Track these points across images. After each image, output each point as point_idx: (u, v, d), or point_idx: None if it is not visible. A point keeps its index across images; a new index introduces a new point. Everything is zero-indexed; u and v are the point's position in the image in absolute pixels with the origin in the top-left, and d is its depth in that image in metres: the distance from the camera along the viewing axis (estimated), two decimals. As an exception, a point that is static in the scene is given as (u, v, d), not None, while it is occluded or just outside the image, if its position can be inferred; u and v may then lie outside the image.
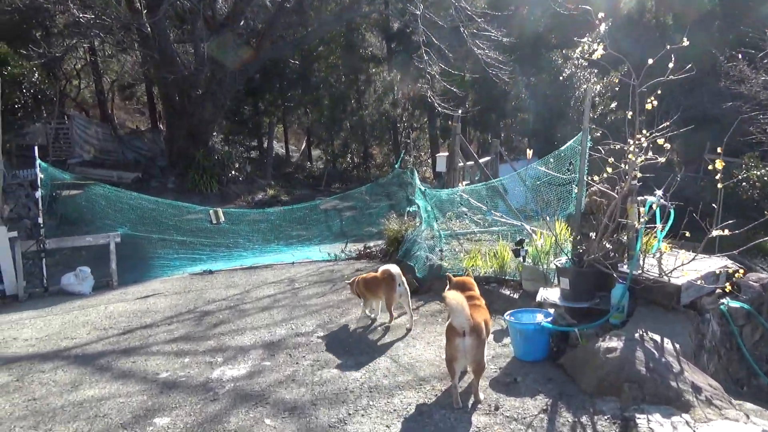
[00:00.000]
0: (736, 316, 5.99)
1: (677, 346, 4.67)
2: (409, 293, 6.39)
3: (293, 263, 10.74)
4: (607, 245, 5.40)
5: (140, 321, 7.40)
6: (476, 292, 5.07)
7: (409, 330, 6.29)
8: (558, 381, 4.73)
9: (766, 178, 17.12)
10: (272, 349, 6.05)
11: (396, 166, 12.51)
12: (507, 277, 7.09)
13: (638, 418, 3.79)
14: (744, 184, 17.17)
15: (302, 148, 35.42)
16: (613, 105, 21.28)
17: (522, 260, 6.76)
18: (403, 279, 6.31)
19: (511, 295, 6.76)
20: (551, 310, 5.66)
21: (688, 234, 5.18)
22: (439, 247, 8.47)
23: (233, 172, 21.80)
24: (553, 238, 6.65)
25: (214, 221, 10.42)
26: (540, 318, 5.32)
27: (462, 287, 5.06)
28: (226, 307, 7.89)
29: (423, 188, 9.03)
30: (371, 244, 11.55)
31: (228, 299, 8.32)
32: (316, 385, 5.03)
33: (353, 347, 5.96)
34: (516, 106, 23.53)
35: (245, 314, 7.45)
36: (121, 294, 9.12)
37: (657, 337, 4.73)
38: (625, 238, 5.75)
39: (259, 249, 10.69)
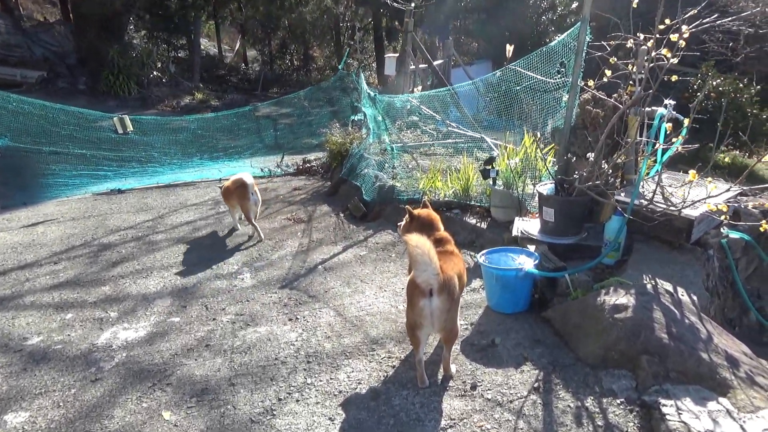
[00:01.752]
0: (735, 248, 5.12)
1: (695, 298, 3.72)
2: (259, 203, 6.31)
3: (220, 180, 9.24)
4: (606, 168, 4.28)
5: (19, 258, 5.90)
6: (444, 232, 3.90)
7: (259, 241, 6.14)
8: (548, 344, 3.73)
9: (721, 89, 16.52)
10: (184, 298, 4.78)
11: (339, 68, 10.89)
12: (472, 203, 5.97)
13: (664, 406, 2.84)
14: (698, 94, 16.51)
15: (236, 48, 32.36)
16: None
17: (492, 183, 5.61)
18: (256, 189, 6.21)
19: (478, 224, 5.67)
20: (532, 248, 4.60)
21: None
22: (390, 165, 7.21)
23: (155, 73, 19.33)
24: (530, 156, 5.50)
25: (120, 131, 8.67)
26: (524, 261, 4.25)
27: (427, 225, 3.87)
28: (133, 238, 6.46)
29: (372, 93, 7.59)
30: (312, 157, 10.15)
31: (136, 227, 6.87)
32: (236, 353, 3.85)
33: (288, 294, 4.78)
34: (469, 4, 21.62)
35: (155, 248, 6.08)
36: (4, 221, 7.46)
37: (670, 288, 3.76)
38: (621, 159, 4.66)
39: (178, 164, 9.10)
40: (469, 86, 8.27)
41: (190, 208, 7.68)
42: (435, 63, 12.90)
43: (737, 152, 15.82)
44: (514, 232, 4.91)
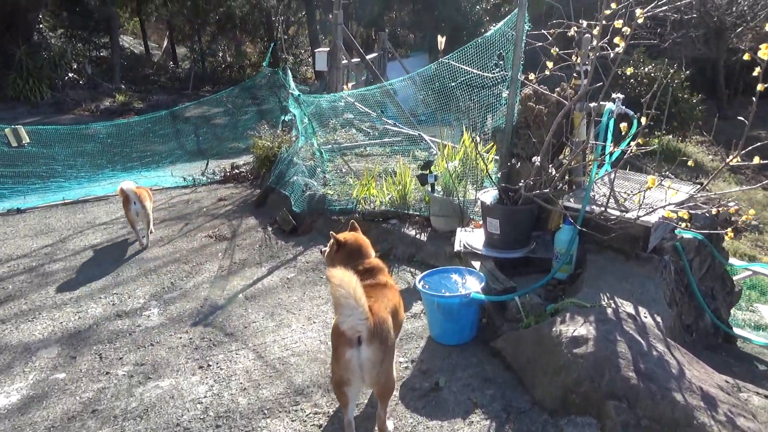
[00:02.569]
0: (688, 248, 4.81)
1: (659, 320, 3.30)
2: (148, 213, 5.92)
3: (137, 193, 8.35)
4: (552, 171, 3.82)
5: None
6: (375, 259, 3.33)
7: (142, 249, 5.88)
8: (499, 383, 3.23)
9: (653, 75, 16.68)
10: (74, 346, 4.03)
11: (264, 64, 10.12)
12: (411, 211, 5.43)
13: (638, 465, 2.37)
14: (632, 81, 16.66)
15: (164, 46, 30.70)
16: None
17: (430, 190, 5.09)
18: (141, 196, 5.78)
19: (418, 235, 5.13)
20: (477, 264, 4.10)
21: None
22: (322, 171, 6.58)
23: (71, 75, 17.88)
24: (470, 157, 5.01)
25: (14, 143, 7.64)
26: (468, 283, 3.74)
27: (355, 253, 3.29)
28: (24, 269, 5.58)
29: (297, 93, 6.92)
30: (241, 162, 9.39)
31: (31, 255, 5.97)
32: (129, 419, 3.16)
33: (201, 332, 4.10)
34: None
35: (49, 281, 5.24)
36: None
37: (632, 309, 3.33)
38: (568, 161, 4.23)
39: (86, 177, 8.14)
40: (403, 81, 7.72)
41: (98, 228, 6.81)
42: (370, 56, 12.31)
43: (670, 137, 16.02)
44: (456, 246, 4.40)
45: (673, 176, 4.78)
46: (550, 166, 3.77)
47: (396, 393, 3.19)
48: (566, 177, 4.35)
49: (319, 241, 5.68)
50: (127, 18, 28.97)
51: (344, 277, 2.59)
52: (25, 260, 5.83)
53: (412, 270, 4.84)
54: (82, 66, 18.64)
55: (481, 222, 4.49)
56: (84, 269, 5.47)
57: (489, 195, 4.28)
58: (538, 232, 4.48)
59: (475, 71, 4.67)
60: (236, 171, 9.08)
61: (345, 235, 3.35)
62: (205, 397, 3.32)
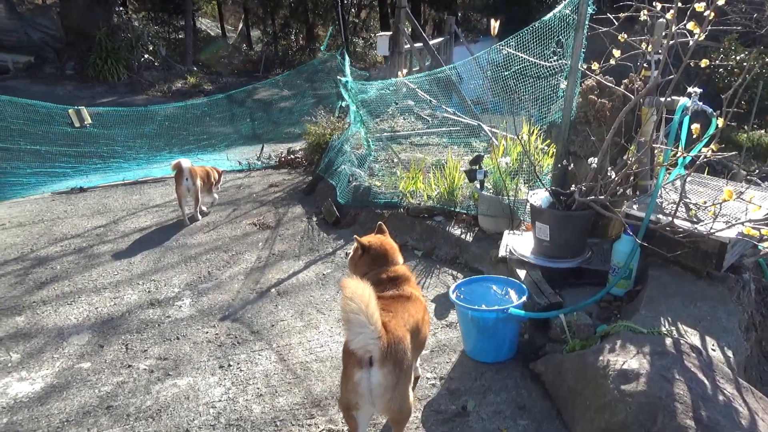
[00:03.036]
0: (772, 265, 4.23)
1: (730, 354, 2.83)
2: (197, 192, 6.14)
3: (193, 176, 8.43)
4: (613, 175, 3.37)
5: (-62, 277, 5.16)
6: (401, 267, 3.04)
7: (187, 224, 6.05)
8: (535, 413, 2.88)
9: (745, 64, 15.27)
10: (105, 334, 4.00)
11: (322, 48, 9.93)
12: (458, 209, 5.08)
13: None
14: (721, 70, 15.32)
15: (240, 28, 31.32)
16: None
17: (479, 187, 4.72)
18: (195, 174, 6.03)
19: (463, 236, 4.79)
20: (522, 273, 3.73)
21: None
22: (369, 161, 6.32)
23: (146, 56, 18.47)
24: (527, 153, 4.59)
25: (77, 124, 7.87)
26: (509, 294, 3.39)
27: (380, 258, 3.02)
28: (75, 249, 5.68)
29: (344, 80, 6.67)
30: (297, 147, 9.29)
31: (84, 235, 6.10)
32: (141, 419, 3.05)
33: (228, 328, 3.97)
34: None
35: (95, 263, 5.30)
36: (-54, 227, 6.74)
37: (697, 340, 2.88)
38: (632, 164, 3.76)
39: (145, 159, 8.29)
40: (461, 66, 7.31)
41: (150, 210, 6.89)
42: (434, 41, 11.88)
43: (762, 132, 14.61)
44: (502, 251, 4.03)
45: (760, 181, 4.17)
46: (610, 169, 3.33)
47: (417, 414, 2.91)
48: (630, 180, 3.87)
49: (361, 234, 5.43)
50: (206, 1, 29.78)
51: (357, 289, 2.33)
52: (77, 240, 5.94)
53: (454, 273, 4.51)
54: (157, 48, 19.22)
55: (531, 217, 4.09)
56: (129, 252, 5.50)
57: (539, 196, 3.87)
58: (595, 240, 4.04)
59: (531, 59, 4.23)
60: (291, 156, 8.98)
61: (370, 239, 3.08)
62: (220, 401, 3.17)
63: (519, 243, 4.05)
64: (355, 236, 3.05)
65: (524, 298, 3.23)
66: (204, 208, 6.66)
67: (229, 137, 9.14)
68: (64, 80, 17.05)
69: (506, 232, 4.32)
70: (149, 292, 4.62)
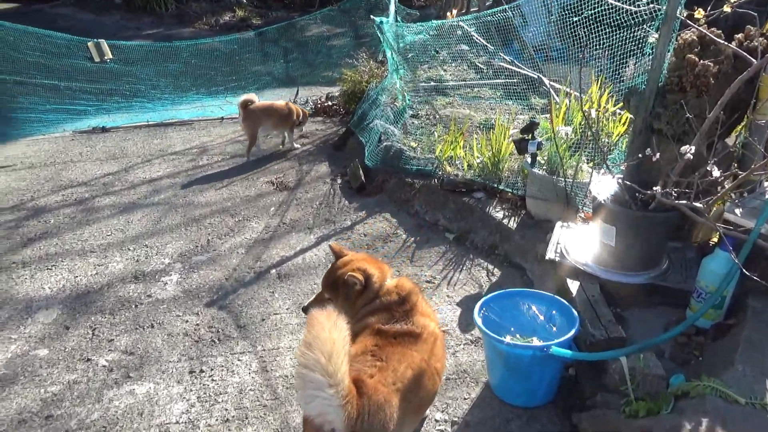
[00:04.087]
0: None
1: None
2: (251, 129, 5.94)
3: (222, 119, 7.79)
4: (715, 172, 2.42)
5: (-72, 224, 4.77)
6: (404, 282, 2.24)
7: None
8: (571, 499, 2.13)
9: None
10: (75, 312, 3.47)
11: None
12: (503, 186, 4.20)
13: None
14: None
15: (296, -43, 29.88)
16: None
17: (529, 162, 3.82)
18: (258, 111, 5.90)
19: (506, 220, 3.94)
20: (575, 287, 2.89)
21: None
22: (404, 117, 5.46)
23: (195, -14, 17.69)
24: (594, 122, 3.63)
25: (97, 59, 7.28)
26: (553, 321, 2.58)
27: (377, 289, 2.22)
28: (76, 200, 5.18)
29: (380, 19, 5.72)
30: (336, 92, 8.45)
31: (90, 183, 5.59)
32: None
33: (211, 318, 3.36)
34: None
35: (91, 219, 4.77)
36: (-41, 163, 6.39)
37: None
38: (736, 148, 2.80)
39: (170, 100, 7.67)
40: (527, 5, 6.20)
41: (167, 157, 6.31)
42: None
43: None
44: (551, 252, 3.18)
45: None
46: (712, 162, 2.38)
47: (415, 478, 2.21)
48: (735, 173, 2.90)
49: (385, 207, 4.67)
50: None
51: (322, 330, 1.61)
52: (82, 189, 5.44)
53: (490, 268, 3.71)
54: (207, -23, 18.37)
55: (592, 213, 3.20)
56: (130, 208, 4.95)
57: (606, 185, 2.97)
58: (675, 244, 3.13)
59: (613, 1, 3.20)
60: (329, 103, 8.16)
61: (370, 268, 2.21)
62: (177, 422, 2.57)
63: (574, 242, 3.19)
64: (349, 273, 2.16)
65: (573, 332, 2.42)
66: (281, 147, 6.39)
67: (262, 79, 8.38)
68: (111, 9, 16.58)
69: (558, 224, 3.45)
70: (137, 261, 4.05)
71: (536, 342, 2.49)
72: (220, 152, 6.46)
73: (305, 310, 2.29)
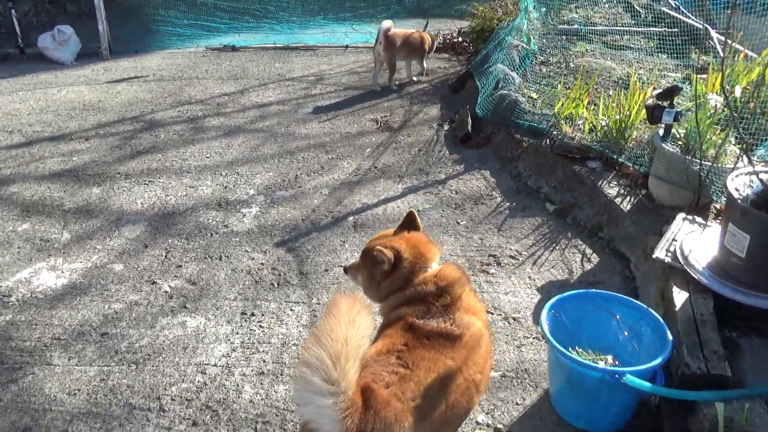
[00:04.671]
0: None
1: None
2: (389, 58, 5.74)
3: (346, 47, 7.59)
4: None
5: (61, 125, 5.18)
6: (450, 270, 1.88)
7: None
8: None
9: None
10: (156, 231, 3.57)
11: None
12: (623, 159, 3.57)
13: None
14: None
15: None
16: None
17: (661, 134, 3.17)
18: (392, 39, 5.60)
19: (619, 199, 3.35)
20: (681, 297, 2.36)
21: None
22: (528, 64, 4.84)
23: None
24: (727, 102, 2.89)
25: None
26: (640, 338, 2.12)
27: (414, 273, 1.88)
28: (189, 117, 5.33)
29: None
30: (468, 27, 7.84)
31: (207, 102, 5.73)
32: (124, 363, 2.55)
33: (276, 260, 3.27)
34: None
35: (197, 138, 4.89)
36: (101, 70, 6.87)
37: None
38: None
39: (297, 23, 7.57)
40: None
41: (282, 83, 6.27)
42: None
43: None
44: (661, 250, 2.62)
45: None
46: None
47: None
48: None
49: (487, 163, 4.24)
50: None
51: (336, 324, 1.38)
52: (197, 107, 5.59)
53: (587, 252, 3.20)
54: None
55: (724, 211, 2.57)
56: (234, 132, 4.99)
57: (745, 179, 2.33)
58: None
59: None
60: (458, 39, 7.60)
61: (399, 244, 1.89)
62: (215, 365, 2.53)
63: (695, 242, 2.60)
64: (378, 247, 1.84)
65: (659, 360, 1.94)
66: (414, 78, 6.20)
67: (390, 8, 7.97)
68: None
69: (681, 216, 2.84)
70: (225, 187, 4.06)
71: (609, 361, 2.05)
72: (335, 82, 6.28)
73: (346, 270, 2.10)
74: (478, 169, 4.16)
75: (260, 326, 2.76)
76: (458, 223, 3.53)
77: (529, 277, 3.02)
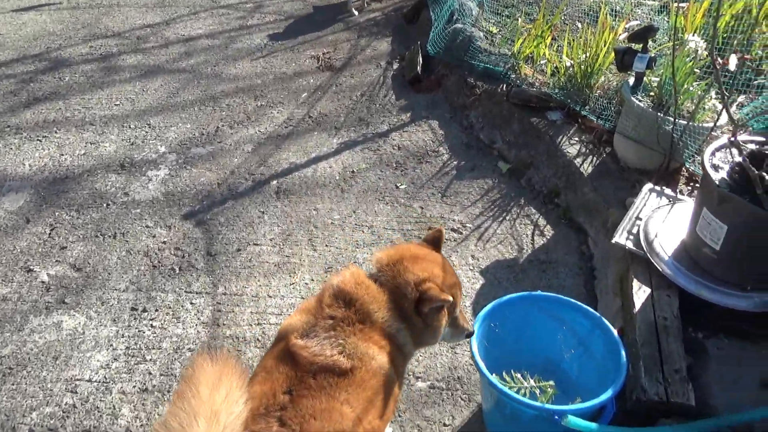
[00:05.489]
0: None
1: None
2: None
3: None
4: None
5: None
6: (350, 276, 1.46)
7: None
8: None
9: None
10: (43, 201, 3.04)
11: None
12: (586, 111, 3.08)
13: None
14: None
15: None
16: None
17: (631, 84, 2.69)
18: None
19: (579, 159, 2.90)
20: (643, 292, 1.98)
21: None
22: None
23: None
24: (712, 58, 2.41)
25: None
26: (589, 353, 1.75)
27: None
28: (102, 55, 4.63)
29: None
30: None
31: (125, 36, 4.99)
32: (-23, 381, 2.10)
33: (183, 237, 2.80)
34: None
35: (107, 81, 4.23)
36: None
37: None
38: None
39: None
40: None
41: (217, 11, 5.51)
42: None
43: None
44: (621, 235, 2.21)
45: None
46: None
47: None
48: None
49: (436, 111, 3.72)
50: None
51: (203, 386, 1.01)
52: (113, 42, 4.86)
53: (541, 223, 2.78)
54: None
55: (699, 189, 2.15)
56: (152, 73, 4.33)
57: (725, 155, 1.89)
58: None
59: None
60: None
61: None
62: (90, 380, 2.10)
63: (662, 223, 2.19)
64: None
65: (611, 392, 1.56)
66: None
67: None
68: None
69: (647, 187, 2.42)
70: (132, 144, 3.49)
71: (551, 392, 1.67)
72: (276, 11, 5.54)
73: None
74: (426, 118, 3.65)
75: (151, 326, 2.32)
76: (397, 187, 3.07)
77: (473, 256, 2.61)
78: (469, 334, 1.61)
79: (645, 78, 2.67)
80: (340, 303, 1.43)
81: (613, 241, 2.18)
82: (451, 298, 1.43)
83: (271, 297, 2.43)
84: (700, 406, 1.68)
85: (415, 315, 1.43)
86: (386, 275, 1.46)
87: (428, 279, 1.44)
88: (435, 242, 1.63)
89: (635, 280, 2.05)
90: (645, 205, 2.32)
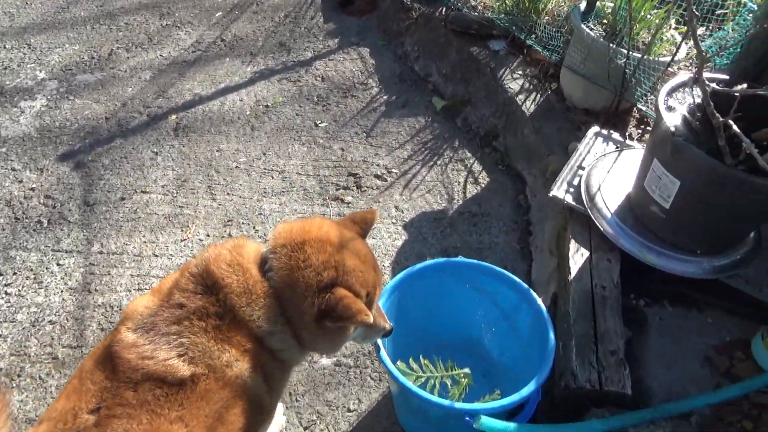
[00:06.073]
0: None
1: None
2: None
3: None
4: None
5: None
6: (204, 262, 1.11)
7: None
8: None
9: None
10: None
11: None
12: (531, 42, 2.70)
13: None
14: None
15: None
16: None
17: (582, 11, 2.33)
18: None
19: (521, 96, 2.56)
20: (578, 260, 1.71)
21: None
22: None
23: None
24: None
25: None
26: (516, 331, 1.48)
27: None
28: None
29: None
30: None
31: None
32: None
33: (55, 182, 2.35)
34: None
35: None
36: None
37: None
38: None
39: None
40: None
41: None
42: None
43: None
44: (558, 189, 1.92)
45: None
46: None
47: None
48: None
49: (367, 37, 3.27)
50: None
51: None
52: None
53: (476, 169, 2.46)
54: None
55: (649, 136, 1.86)
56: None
57: (686, 96, 1.59)
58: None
59: None
60: None
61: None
62: None
63: (606, 173, 1.90)
64: None
65: (534, 385, 1.29)
66: None
67: None
68: None
69: (593, 131, 2.12)
70: (4, 68, 2.94)
71: (464, 382, 1.40)
72: None
73: None
74: (356, 45, 3.20)
75: (6, 293, 1.93)
76: (317, 125, 2.67)
77: (396, 207, 2.28)
78: (387, 333, 1.28)
79: (598, 2, 2.32)
80: (198, 288, 1.08)
81: (550, 194, 1.89)
82: (371, 320, 1.09)
83: (156, 256, 2.06)
84: (636, 392, 1.45)
85: (312, 322, 1.09)
86: (280, 261, 1.09)
87: (341, 281, 1.08)
88: (363, 225, 1.25)
89: (573, 241, 1.78)
90: (589, 151, 2.02)
